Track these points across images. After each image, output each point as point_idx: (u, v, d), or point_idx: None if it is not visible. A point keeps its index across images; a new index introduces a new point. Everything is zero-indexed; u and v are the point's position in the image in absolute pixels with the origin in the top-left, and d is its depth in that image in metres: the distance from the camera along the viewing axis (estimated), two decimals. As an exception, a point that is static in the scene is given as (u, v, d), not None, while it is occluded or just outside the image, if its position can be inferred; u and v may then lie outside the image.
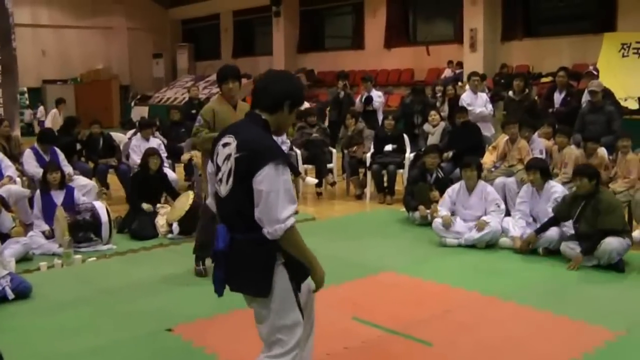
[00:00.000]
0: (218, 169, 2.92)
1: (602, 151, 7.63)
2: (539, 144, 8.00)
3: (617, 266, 5.75)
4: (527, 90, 9.83)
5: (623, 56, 12.49)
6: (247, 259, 2.85)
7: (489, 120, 9.99)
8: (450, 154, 8.70)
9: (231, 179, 2.82)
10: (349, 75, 12.52)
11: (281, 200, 2.72)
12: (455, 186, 7.01)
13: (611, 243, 5.70)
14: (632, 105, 11.40)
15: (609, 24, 13.95)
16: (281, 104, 2.91)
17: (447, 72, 16.38)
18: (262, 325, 2.96)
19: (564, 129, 7.89)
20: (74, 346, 4.31)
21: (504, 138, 8.21)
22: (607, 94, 9.08)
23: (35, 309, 5.04)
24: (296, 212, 2.80)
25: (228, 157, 2.85)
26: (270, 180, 2.71)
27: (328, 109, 11.80)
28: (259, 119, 2.92)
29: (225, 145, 2.89)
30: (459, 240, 6.68)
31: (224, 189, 2.88)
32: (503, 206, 6.81)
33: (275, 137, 2.97)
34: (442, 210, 6.86)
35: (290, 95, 2.93)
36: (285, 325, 2.90)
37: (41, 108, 20.03)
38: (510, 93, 9.93)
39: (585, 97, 8.93)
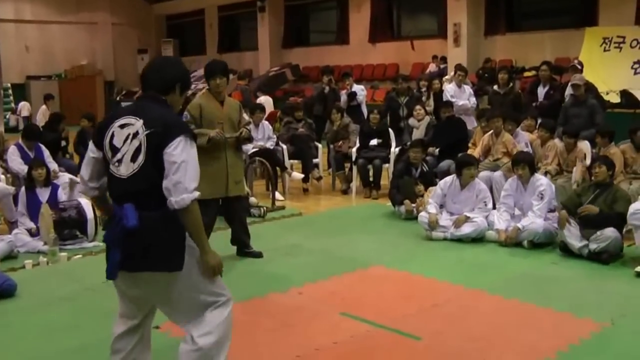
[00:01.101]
0: (114, 150, 2.93)
1: (582, 144, 7.71)
2: (523, 137, 8.06)
3: (602, 258, 5.80)
4: (511, 84, 9.89)
5: (604, 50, 12.57)
6: (158, 234, 2.86)
7: (472, 113, 10.06)
8: (437, 150, 8.73)
9: (141, 156, 2.87)
10: (334, 71, 12.52)
11: (190, 171, 2.83)
12: (448, 179, 7.02)
13: (615, 232, 5.78)
14: (613, 98, 11.47)
15: (590, 19, 14.06)
16: (173, 86, 3.06)
17: (432, 67, 16.43)
18: (184, 300, 2.99)
19: (547, 123, 7.95)
20: (59, 344, 4.29)
21: (482, 132, 8.27)
22: (590, 87, 9.15)
23: (21, 307, 5.01)
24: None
25: (134, 135, 2.89)
26: (182, 151, 2.82)
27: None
28: (160, 98, 3.03)
29: (124, 126, 2.93)
30: (445, 234, 6.72)
31: (127, 169, 2.90)
32: (490, 205, 6.85)
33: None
34: (431, 205, 6.87)
35: (181, 78, 3.10)
36: (212, 283, 3.02)
37: (23, 104, 19.80)
38: (495, 87, 9.99)
39: (569, 91, 8.99)
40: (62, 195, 7.09)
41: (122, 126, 2.93)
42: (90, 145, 3.07)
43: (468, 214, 6.69)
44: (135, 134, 2.88)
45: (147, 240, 2.86)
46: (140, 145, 2.87)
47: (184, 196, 2.80)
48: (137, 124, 2.90)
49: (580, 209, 5.93)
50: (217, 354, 3.05)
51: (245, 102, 10.33)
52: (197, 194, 2.84)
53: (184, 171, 2.80)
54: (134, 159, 2.88)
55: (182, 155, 2.82)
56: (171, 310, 3.08)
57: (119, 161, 2.91)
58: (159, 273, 2.92)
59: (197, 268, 2.97)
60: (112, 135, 2.95)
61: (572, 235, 5.97)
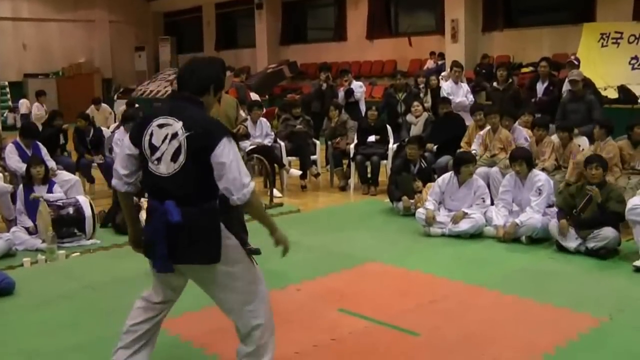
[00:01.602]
0: (153, 149, 3.06)
1: (580, 140, 7.71)
2: (521, 133, 8.06)
3: (600, 254, 5.81)
4: (510, 80, 9.89)
5: (602, 46, 12.60)
6: (198, 229, 3.06)
7: (469, 110, 10.07)
8: (435, 147, 8.73)
9: (181, 157, 3.00)
10: (331, 67, 12.51)
11: (241, 167, 3.01)
12: (446, 176, 7.02)
13: (613, 231, 5.81)
14: (611, 94, 11.49)
15: (588, 14, 14.06)
16: (208, 88, 3.17)
17: (430, 64, 16.43)
18: (228, 294, 3.24)
19: (542, 121, 7.93)
20: (58, 343, 4.29)
21: (476, 130, 8.27)
22: (588, 83, 9.15)
23: (19, 305, 5.01)
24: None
25: (173, 136, 3.01)
26: (228, 153, 2.97)
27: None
28: (197, 100, 3.14)
29: (162, 125, 3.05)
30: (443, 230, 6.72)
31: (167, 168, 3.04)
32: (488, 202, 6.85)
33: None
34: (430, 202, 6.87)
35: (215, 79, 3.22)
36: (252, 279, 3.31)
37: (23, 101, 19.70)
38: (495, 83, 9.99)
39: (566, 87, 9.00)
40: (59, 191, 7.07)
41: (160, 126, 3.05)
42: (127, 141, 3.20)
43: (466, 210, 6.70)
44: (175, 135, 3.01)
45: (188, 235, 3.04)
46: (180, 146, 3.00)
47: (244, 191, 2.99)
48: (176, 125, 3.01)
49: (588, 188, 5.91)
50: (267, 343, 3.33)
51: (240, 99, 10.33)
52: (253, 184, 3.03)
53: (235, 170, 2.97)
54: (174, 158, 3.01)
55: (229, 155, 2.97)
56: (215, 295, 3.30)
57: (159, 159, 3.05)
58: (198, 265, 3.14)
59: (232, 258, 3.19)
60: (152, 134, 3.07)
61: (567, 239, 5.99)
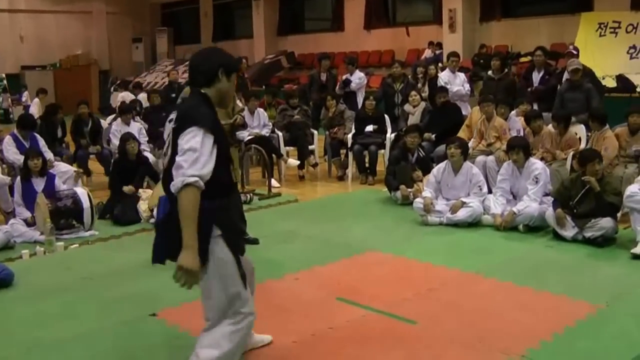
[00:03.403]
0: (164, 144, 3.09)
1: (578, 128, 7.70)
2: (515, 123, 8.06)
3: (597, 242, 5.83)
4: (505, 70, 9.88)
5: (600, 35, 12.60)
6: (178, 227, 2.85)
7: (466, 99, 10.06)
8: (433, 136, 8.73)
9: (169, 150, 2.96)
10: (330, 57, 12.47)
11: (195, 160, 2.79)
12: (441, 165, 7.03)
13: (609, 221, 5.83)
14: (609, 83, 11.49)
15: (586, 4, 14.05)
16: (215, 74, 3.02)
17: (428, 53, 16.40)
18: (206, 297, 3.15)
19: (534, 113, 7.91)
20: (57, 333, 4.30)
21: (477, 116, 8.27)
22: (587, 72, 9.14)
23: (18, 297, 5.01)
24: (199, 181, 2.79)
25: (170, 131, 2.99)
26: (191, 139, 2.82)
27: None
28: (198, 93, 3.04)
29: (170, 121, 3.03)
30: (440, 219, 6.73)
31: (165, 162, 3.02)
32: (485, 190, 6.85)
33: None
34: (427, 191, 6.89)
35: (222, 63, 3.04)
36: (228, 295, 3.06)
37: (26, 93, 19.68)
38: (490, 72, 9.99)
39: (567, 76, 8.98)
40: (61, 184, 7.07)
41: (169, 121, 3.04)
42: None
43: (464, 200, 6.71)
44: (170, 130, 2.99)
45: (173, 231, 2.88)
46: (169, 139, 2.98)
47: (179, 179, 2.78)
48: (172, 117, 3.01)
49: (585, 178, 5.92)
50: None
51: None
52: (193, 179, 2.76)
53: (187, 158, 2.79)
54: (167, 152, 3.00)
55: (190, 143, 2.81)
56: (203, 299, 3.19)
57: (165, 154, 3.06)
58: None
59: (216, 267, 3.01)
60: (165, 129, 3.09)
61: (564, 228, 6.00)
